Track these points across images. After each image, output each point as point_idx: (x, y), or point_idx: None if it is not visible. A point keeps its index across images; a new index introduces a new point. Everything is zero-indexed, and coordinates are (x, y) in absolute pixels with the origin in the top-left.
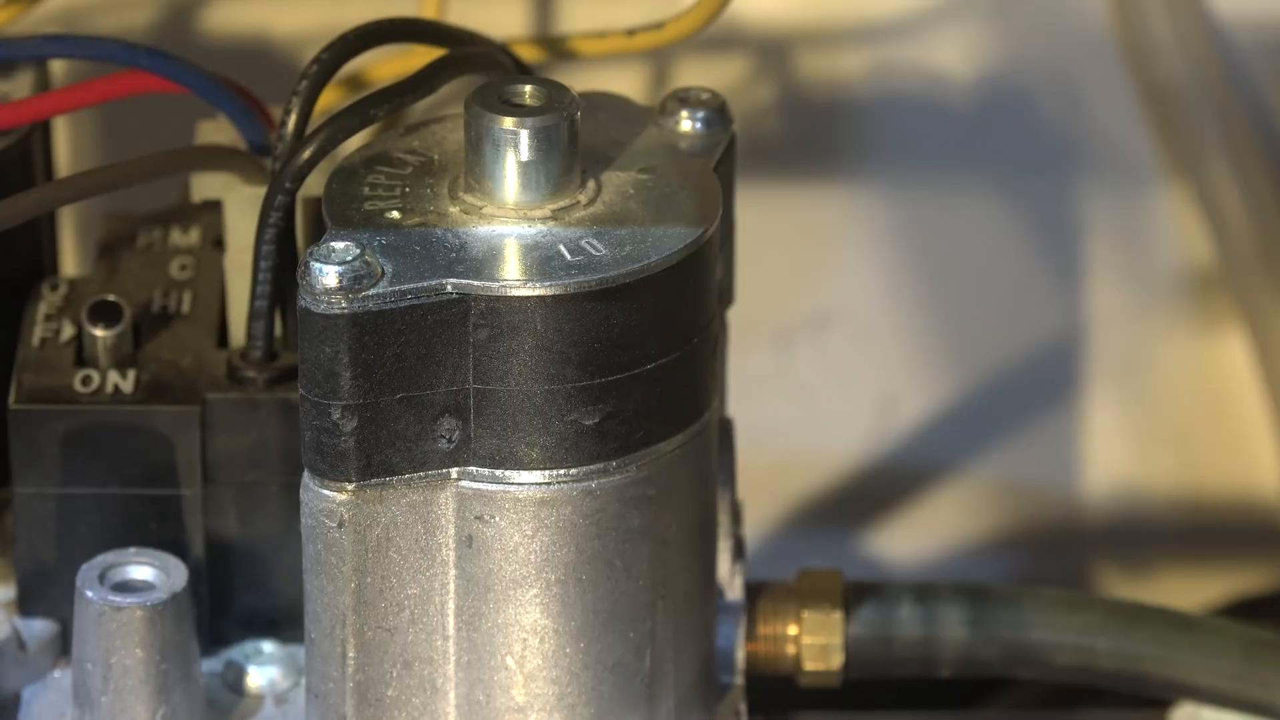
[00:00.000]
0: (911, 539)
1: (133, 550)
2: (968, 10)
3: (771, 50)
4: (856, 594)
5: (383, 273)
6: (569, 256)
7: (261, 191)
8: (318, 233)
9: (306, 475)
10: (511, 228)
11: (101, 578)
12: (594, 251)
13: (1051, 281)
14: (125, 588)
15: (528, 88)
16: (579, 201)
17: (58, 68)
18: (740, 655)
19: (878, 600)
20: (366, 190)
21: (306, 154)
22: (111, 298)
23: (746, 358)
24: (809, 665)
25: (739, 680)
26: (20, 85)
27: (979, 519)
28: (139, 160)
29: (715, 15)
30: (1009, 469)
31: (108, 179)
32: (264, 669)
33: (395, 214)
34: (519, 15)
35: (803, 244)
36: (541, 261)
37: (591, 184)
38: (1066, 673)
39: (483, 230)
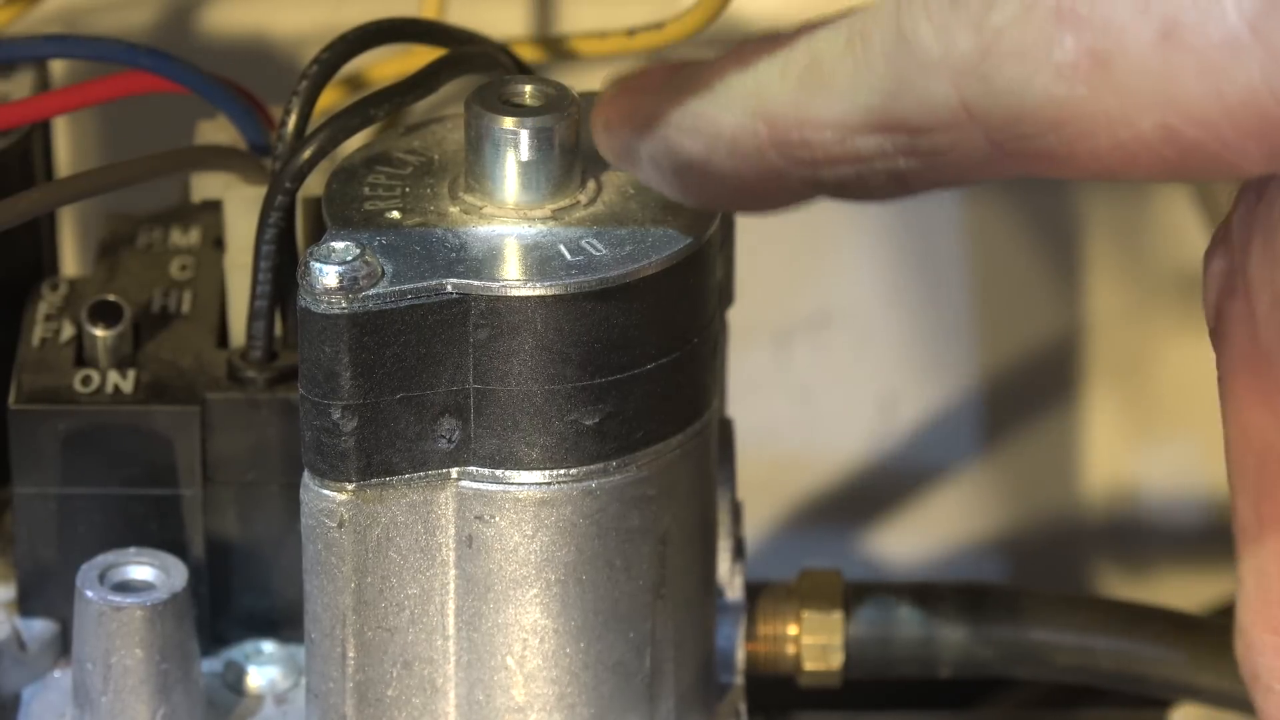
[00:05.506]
0: (911, 539)
1: (133, 550)
2: None
3: None
4: (856, 594)
5: (383, 273)
6: (569, 256)
7: (261, 191)
8: (318, 233)
9: (306, 475)
10: (511, 228)
11: (101, 578)
12: (594, 251)
13: (1051, 281)
14: (125, 588)
15: (528, 88)
16: (579, 201)
17: (58, 68)
18: (740, 655)
19: (878, 600)
20: (366, 190)
21: (306, 154)
22: (111, 298)
23: (746, 358)
24: (809, 665)
25: (739, 680)
26: (20, 85)
27: (979, 519)
28: (139, 160)
29: (715, 15)
30: (1009, 469)
31: (108, 179)
32: (264, 669)
33: (395, 214)
34: (519, 15)
35: (803, 244)
36: (541, 261)
37: (591, 184)
38: (1066, 673)
39: (483, 230)
